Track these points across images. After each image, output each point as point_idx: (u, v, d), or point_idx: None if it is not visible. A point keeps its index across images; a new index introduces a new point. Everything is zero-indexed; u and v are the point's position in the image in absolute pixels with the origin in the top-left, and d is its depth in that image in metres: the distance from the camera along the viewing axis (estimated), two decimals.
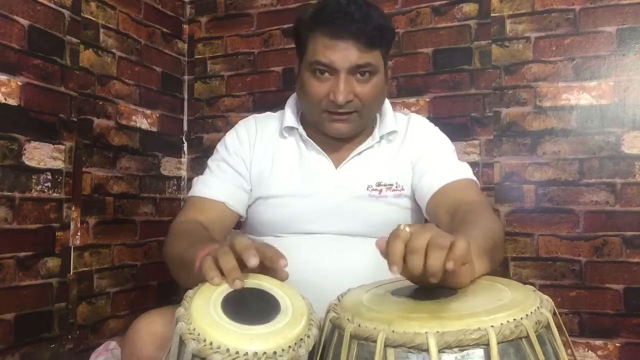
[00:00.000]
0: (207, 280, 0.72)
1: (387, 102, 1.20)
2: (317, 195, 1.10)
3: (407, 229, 0.65)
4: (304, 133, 1.15)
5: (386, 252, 0.65)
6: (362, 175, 1.11)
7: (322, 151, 1.13)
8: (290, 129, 1.16)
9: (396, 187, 1.11)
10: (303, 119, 1.18)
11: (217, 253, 0.74)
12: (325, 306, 0.75)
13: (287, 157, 1.15)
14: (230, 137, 1.20)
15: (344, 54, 1.02)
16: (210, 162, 1.19)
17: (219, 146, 1.20)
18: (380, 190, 1.11)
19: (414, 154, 1.13)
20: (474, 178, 1.11)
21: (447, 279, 0.67)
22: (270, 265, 0.76)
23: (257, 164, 1.15)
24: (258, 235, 1.14)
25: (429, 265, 0.62)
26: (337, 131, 1.08)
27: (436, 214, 1.05)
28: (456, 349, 0.57)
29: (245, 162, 1.16)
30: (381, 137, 1.15)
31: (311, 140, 1.14)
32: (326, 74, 1.05)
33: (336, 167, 1.13)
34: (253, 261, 0.71)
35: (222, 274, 0.73)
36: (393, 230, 0.66)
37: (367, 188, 1.10)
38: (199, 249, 0.82)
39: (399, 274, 0.65)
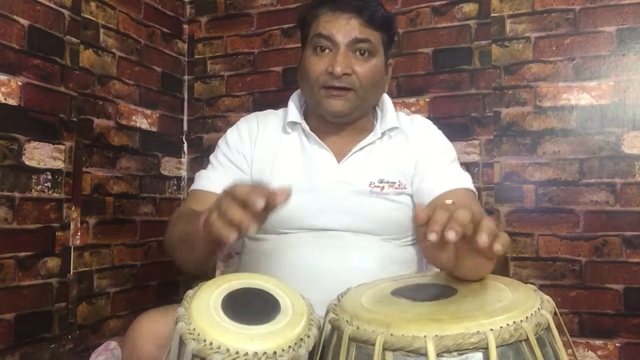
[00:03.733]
0: (224, 238, 0.70)
1: (388, 99, 1.20)
2: (318, 189, 1.10)
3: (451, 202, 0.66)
4: (307, 127, 1.15)
5: (430, 220, 0.64)
6: (364, 171, 1.11)
7: (325, 145, 1.13)
8: (294, 124, 1.16)
9: (399, 185, 1.11)
10: (306, 114, 1.19)
11: (221, 207, 0.71)
12: (326, 302, 0.74)
13: (289, 152, 1.15)
14: (231, 134, 1.20)
15: (344, 27, 1.05)
16: (212, 157, 1.20)
17: (220, 142, 1.21)
18: (382, 187, 1.10)
19: (418, 154, 1.13)
20: (474, 189, 1.11)
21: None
22: (274, 202, 0.73)
23: (258, 160, 1.16)
24: (261, 233, 1.14)
25: (484, 226, 0.62)
26: (333, 109, 1.08)
27: None
28: (455, 353, 0.56)
29: (247, 158, 1.16)
30: (383, 134, 1.15)
31: (314, 135, 1.14)
32: (326, 50, 1.07)
33: (338, 162, 1.13)
34: (259, 203, 0.68)
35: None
36: (437, 201, 0.67)
37: (370, 185, 1.10)
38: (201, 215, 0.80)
39: (434, 240, 0.64)
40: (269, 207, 0.73)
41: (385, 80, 1.15)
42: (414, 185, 1.12)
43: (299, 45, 1.16)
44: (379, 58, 1.09)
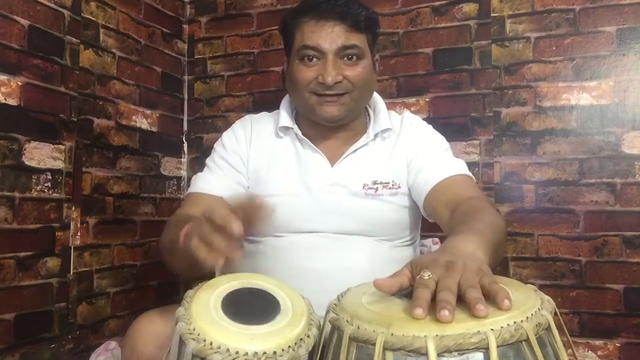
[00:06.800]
0: (211, 265, 0.72)
1: (380, 100, 1.21)
2: (313, 193, 1.11)
3: (430, 275, 0.63)
4: (299, 132, 1.16)
5: (413, 298, 0.62)
6: (358, 174, 1.12)
7: (318, 149, 1.14)
8: (286, 129, 1.17)
9: (392, 185, 1.12)
10: (298, 119, 1.19)
11: (202, 234, 0.73)
12: (325, 305, 0.75)
13: (283, 157, 1.16)
14: (227, 136, 1.21)
15: (330, 35, 1.05)
16: (208, 160, 1.21)
17: (216, 145, 1.22)
18: (377, 189, 1.11)
19: (409, 151, 1.14)
20: (470, 174, 1.11)
21: None
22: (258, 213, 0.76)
23: (253, 162, 1.17)
24: (257, 236, 1.15)
25: (472, 304, 0.59)
26: (328, 115, 1.08)
27: (435, 209, 1.06)
28: (455, 353, 0.56)
29: (243, 159, 1.17)
30: (375, 135, 1.16)
31: (306, 139, 1.15)
32: (314, 59, 1.07)
33: (332, 165, 1.13)
34: (237, 229, 0.70)
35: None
36: (417, 278, 0.63)
37: (364, 186, 1.11)
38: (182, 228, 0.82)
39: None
40: (255, 220, 0.75)
41: (375, 80, 1.16)
42: (410, 181, 1.12)
43: None
44: (366, 59, 1.09)
